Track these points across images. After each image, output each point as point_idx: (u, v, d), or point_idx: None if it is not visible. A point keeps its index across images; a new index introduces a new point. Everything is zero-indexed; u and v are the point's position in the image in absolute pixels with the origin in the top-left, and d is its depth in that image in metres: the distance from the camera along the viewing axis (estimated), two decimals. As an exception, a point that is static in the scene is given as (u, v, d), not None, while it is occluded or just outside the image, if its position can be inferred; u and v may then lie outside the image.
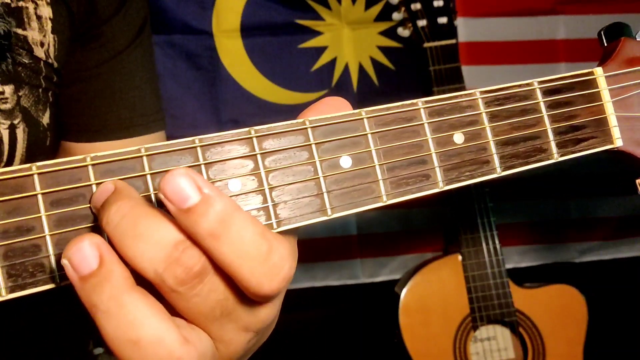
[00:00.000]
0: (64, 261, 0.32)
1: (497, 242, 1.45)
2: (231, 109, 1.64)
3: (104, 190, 0.34)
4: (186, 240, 0.33)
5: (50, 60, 0.62)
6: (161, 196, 0.33)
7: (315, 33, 1.66)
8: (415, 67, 1.63)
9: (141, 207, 0.33)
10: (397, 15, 1.46)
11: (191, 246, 0.33)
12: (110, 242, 0.33)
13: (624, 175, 0.49)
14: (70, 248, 0.32)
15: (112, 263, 0.32)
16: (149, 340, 0.32)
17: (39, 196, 0.35)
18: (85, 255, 0.32)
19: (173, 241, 0.33)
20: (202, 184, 0.33)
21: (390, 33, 1.66)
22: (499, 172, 0.43)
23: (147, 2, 0.71)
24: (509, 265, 1.59)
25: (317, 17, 1.66)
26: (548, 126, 0.45)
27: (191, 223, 0.33)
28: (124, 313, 0.32)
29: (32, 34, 0.59)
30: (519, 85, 0.45)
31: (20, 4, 0.58)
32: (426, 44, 1.41)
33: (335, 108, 0.40)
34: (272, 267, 0.34)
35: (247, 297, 0.36)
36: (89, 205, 0.36)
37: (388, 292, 1.53)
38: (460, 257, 1.46)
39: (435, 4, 1.41)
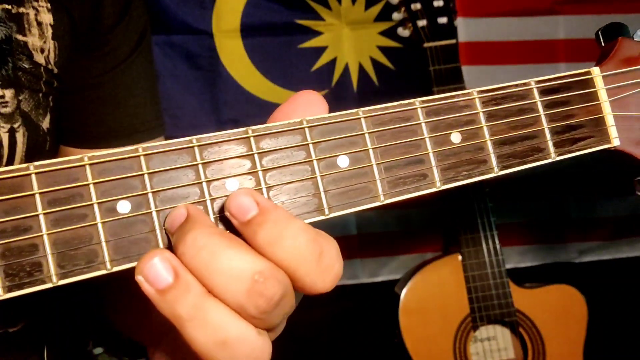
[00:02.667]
0: (139, 277, 0.34)
1: (497, 242, 1.45)
2: (231, 109, 1.64)
3: (177, 215, 0.36)
4: (264, 270, 0.35)
5: (50, 66, 0.62)
6: (227, 213, 0.36)
7: (315, 33, 1.66)
8: (415, 67, 1.62)
9: (217, 237, 0.35)
10: (397, 15, 1.46)
11: (270, 276, 0.35)
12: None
13: (623, 175, 0.49)
14: (142, 265, 0.34)
15: (186, 274, 0.34)
16: (235, 339, 0.35)
17: (37, 196, 0.35)
18: (158, 270, 0.34)
19: (252, 273, 0.34)
20: (260, 198, 0.36)
21: (390, 33, 1.66)
22: (496, 172, 0.43)
23: (146, 9, 0.71)
24: (509, 265, 1.59)
25: (317, 17, 1.66)
26: (545, 126, 0.45)
27: (251, 233, 0.35)
28: (209, 318, 0.34)
29: (33, 39, 0.60)
30: (516, 85, 0.44)
31: (21, 10, 0.59)
32: (426, 44, 1.41)
33: (307, 104, 0.41)
34: (325, 268, 0.36)
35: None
36: (86, 204, 0.36)
37: (388, 292, 1.53)
38: (460, 257, 1.46)
39: (435, 4, 1.41)
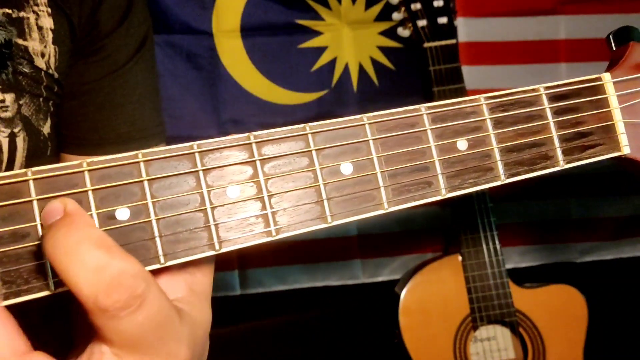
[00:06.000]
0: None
1: (497, 242, 1.45)
2: (231, 109, 1.64)
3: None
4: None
5: (50, 71, 0.62)
6: None
7: (315, 33, 1.66)
8: (415, 67, 1.62)
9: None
10: (397, 15, 1.45)
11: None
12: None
13: (625, 175, 0.48)
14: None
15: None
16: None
17: (35, 202, 0.34)
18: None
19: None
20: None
21: (390, 33, 1.65)
22: (503, 180, 0.42)
23: (148, 15, 0.71)
24: (509, 266, 1.59)
25: (317, 17, 1.65)
26: (554, 133, 0.44)
27: None
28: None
29: (33, 44, 0.59)
30: (525, 91, 0.44)
31: (22, 14, 0.58)
32: (426, 44, 1.41)
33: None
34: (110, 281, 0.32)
35: None
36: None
37: (388, 293, 1.53)
38: (460, 258, 1.46)
39: (435, 4, 1.41)
